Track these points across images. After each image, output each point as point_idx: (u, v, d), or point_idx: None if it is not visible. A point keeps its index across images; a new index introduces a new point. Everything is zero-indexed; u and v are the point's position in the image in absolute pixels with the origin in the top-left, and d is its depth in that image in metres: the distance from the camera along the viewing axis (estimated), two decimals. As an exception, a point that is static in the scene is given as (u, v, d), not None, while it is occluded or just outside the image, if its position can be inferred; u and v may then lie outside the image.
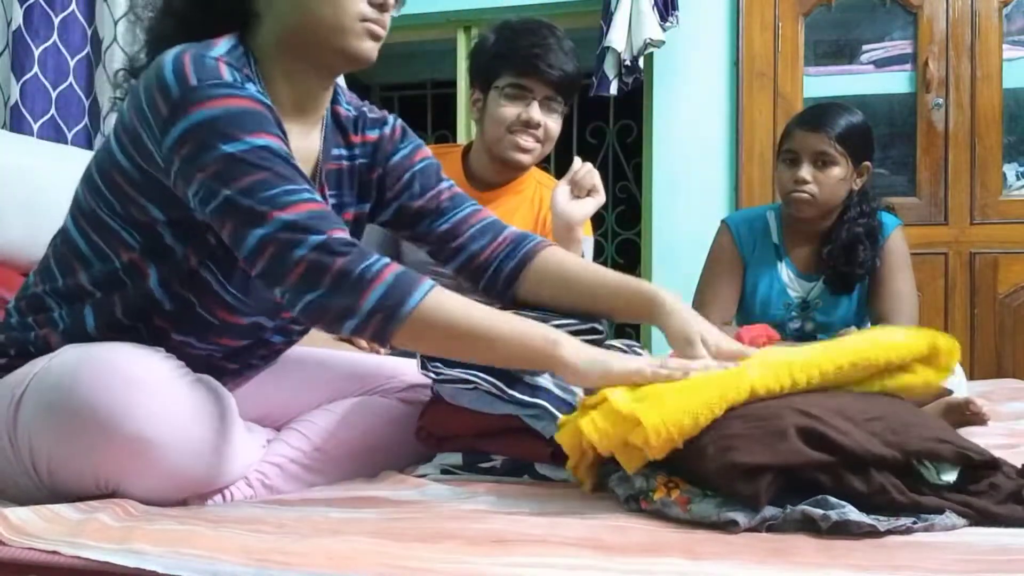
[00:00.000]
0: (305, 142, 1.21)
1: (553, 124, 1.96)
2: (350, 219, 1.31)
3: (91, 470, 1.04)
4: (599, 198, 1.73)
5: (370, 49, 1.15)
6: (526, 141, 1.94)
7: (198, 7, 1.16)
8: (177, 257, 1.13)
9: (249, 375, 1.36)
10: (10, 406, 1.06)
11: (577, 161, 1.73)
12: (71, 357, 1.05)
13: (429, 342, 1.10)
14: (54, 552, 0.81)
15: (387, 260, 1.06)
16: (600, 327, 1.29)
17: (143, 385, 1.02)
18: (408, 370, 1.40)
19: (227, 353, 1.25)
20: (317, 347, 1.56)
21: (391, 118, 1.35)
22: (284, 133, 1.10)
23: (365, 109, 1.33)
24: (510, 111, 1.92)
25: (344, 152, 1.29)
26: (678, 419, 0.94)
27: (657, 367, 1.04)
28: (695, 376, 1.02)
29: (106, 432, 1.00)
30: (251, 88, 1.08)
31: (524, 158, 1.96)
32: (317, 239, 1.02)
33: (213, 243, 1.13)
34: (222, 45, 1.11)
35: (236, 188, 1.02)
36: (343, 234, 1.05)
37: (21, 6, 2.36)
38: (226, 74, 1.05)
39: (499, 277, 1.33)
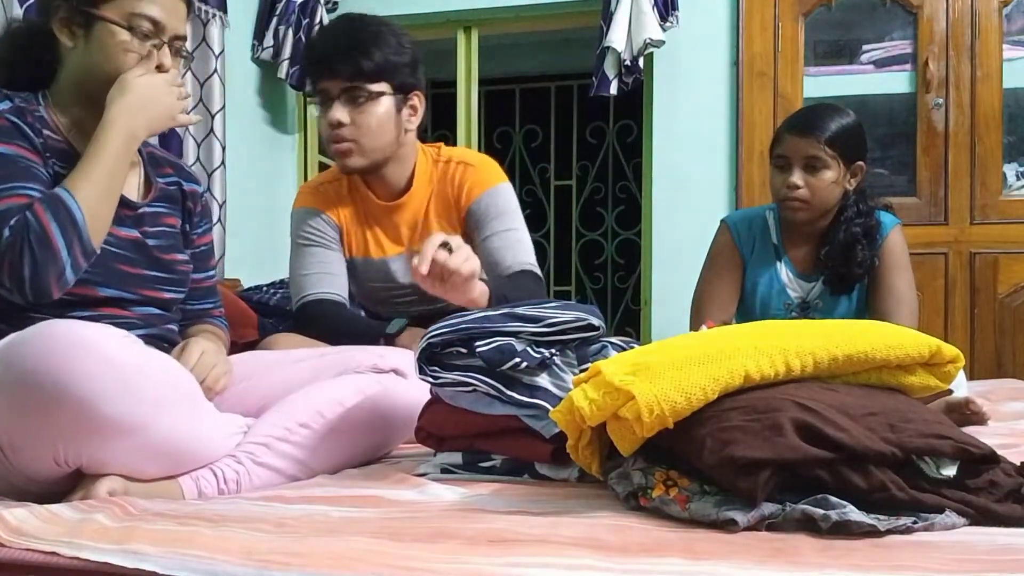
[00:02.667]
0: None
1: (366, 115, 1.82)
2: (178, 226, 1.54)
3: (48, 442, 1.05)
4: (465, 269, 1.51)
5: None
6: (339, 144, 1.84)
7: (20, 55, 1.42)
8: None
9: None
10: None
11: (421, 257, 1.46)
12: (12, 336, 1.09)
13: (106, 214, 1.30)
14: (53, 553, 0.81)
15: (31, 203, 1.23)
16: (597, 323, 1.30)
17: (85, 346, 1.04)
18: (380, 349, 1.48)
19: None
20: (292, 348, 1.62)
21: (202, 188, 1.61)
22: (32, 142, 1.31)
23: (180, 164, 1.63)
24: (321, 122, 1.87)
25: (165, 180, 1.52)
26: (670, 396, 0.94)
27: None
28: (686, 350, 1.02)
29: (54, 397, 1.01)
30: (3, 105, 1.32)
31: (348, 162, 1.86)
32: (10, 225, 1.21)
33: None
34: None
35: None
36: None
37: (21, 6, 2.36)
38: None
39: None
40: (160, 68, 1.38)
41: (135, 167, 1.47)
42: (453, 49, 3.82)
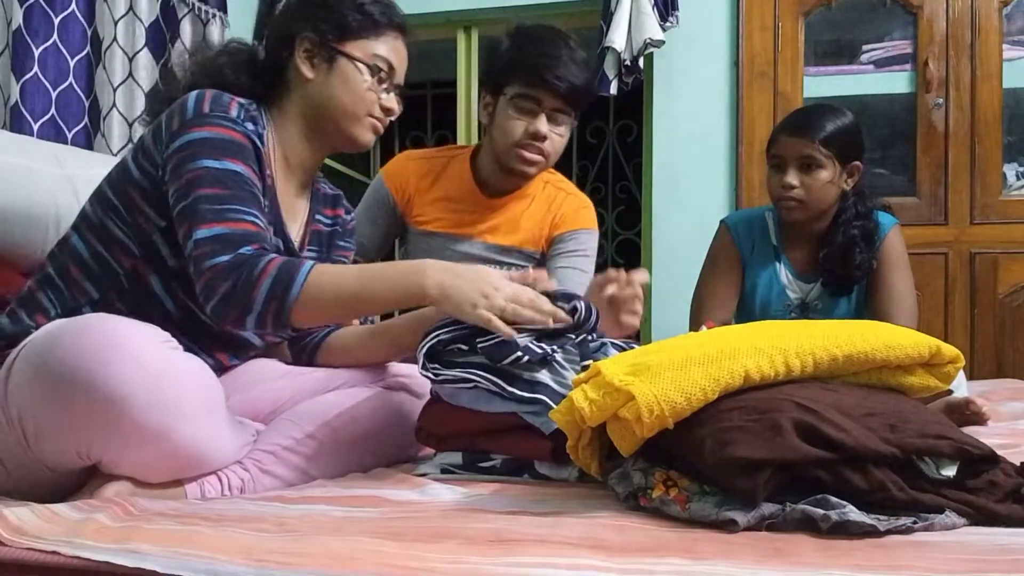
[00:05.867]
0: (298, 200, 1.48)
1: (559, 137, 1.97)
2: None
3: (73, 435, 1.06)
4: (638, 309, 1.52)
5: (370, 140, 1.46)
6: (532, 154, 1.95)
7: (243, 71, 1.43)
8: (171, 266, 1.30)
9: None
10: (1, 373, 1.10)
11: (617, 275, 1.52)
12: (56, 324, 1.10)
13: (323, 313, 1.26)
14: (54, 552, 0.81)
15: (272, 256, 1.21)
16: (595, 311, 1.30)
17: (122, 348, 1.04)
18: (393, 365, 1.49)
19: (217, 368, 1.35)
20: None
21: (353, 214, 1.64)
22: (261, 167, 1.32)
23: (340, 194, 1.62)
24: (518, 124, 1.93)
25: (325, 220, 1.55)
26: (670, 396, 0.94)
27: (503, 308, 1.18)
28: (686, 350, 1.02)
29: (85, 394, 1.02)
30: (249, 126, 1.31)
31: (530, 170, 1.98)
32: (238, 253, 1.19)
33: None
34: (243, 99, 1.35)
35: (201, 194, 1.22)
36: (269, 252, 1.23)
37: (21, 6, 2.36)
38: (233, 111, 1.30)
39: (305, 350, 1.51)
40: (388, 112, 1.44)
41: (304, 207, 1.49)
42: (453, 49, 3.82)
